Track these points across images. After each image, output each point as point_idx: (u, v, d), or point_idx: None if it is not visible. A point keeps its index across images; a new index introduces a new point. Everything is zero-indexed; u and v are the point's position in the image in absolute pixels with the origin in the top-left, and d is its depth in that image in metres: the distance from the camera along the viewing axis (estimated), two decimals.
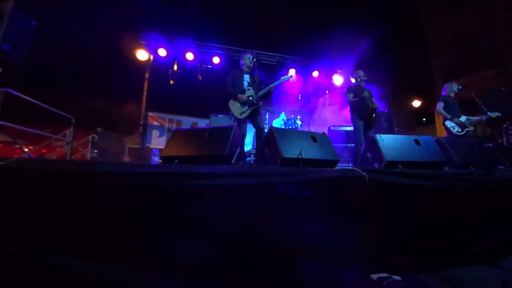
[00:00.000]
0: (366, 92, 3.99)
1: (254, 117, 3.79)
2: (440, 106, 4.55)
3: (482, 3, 10.76)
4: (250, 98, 3.76)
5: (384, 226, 1.63)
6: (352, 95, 4.17)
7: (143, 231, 1.28)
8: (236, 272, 1.36)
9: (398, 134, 6.02)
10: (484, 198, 2.18)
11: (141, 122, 7.92)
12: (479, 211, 2.14)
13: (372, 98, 4.23)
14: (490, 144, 3.51)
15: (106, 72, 7.71)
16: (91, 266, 1.19)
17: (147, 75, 8.33)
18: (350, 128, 5.70)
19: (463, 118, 4.46)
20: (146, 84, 8.28)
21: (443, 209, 1.96)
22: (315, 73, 9.10)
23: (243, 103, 3.72)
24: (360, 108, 4.08)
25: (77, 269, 1.17)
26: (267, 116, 6.83)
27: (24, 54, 2.89)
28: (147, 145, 7.57)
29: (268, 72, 8.47)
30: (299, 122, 6.69)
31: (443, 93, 4.83)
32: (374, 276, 1.19)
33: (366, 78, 4.26)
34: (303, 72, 9.09)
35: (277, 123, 6.71)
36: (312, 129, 6.95)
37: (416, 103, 12.45)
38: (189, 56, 8.04)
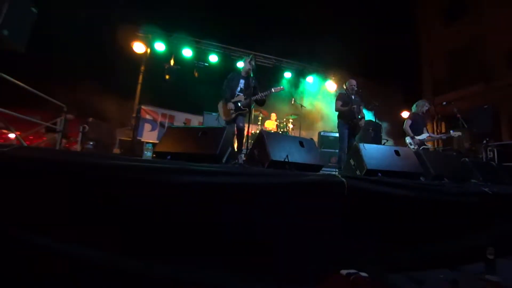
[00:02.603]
0: (355, 106, 4.17)
1: (238, 123, 3.90)
2: (407, 123, 4.83)
3: (474, 19, 11.18)
4: (239, 104, 3.87)
5: (358, 228, 1.78)
6: (341, 102, 4.34)
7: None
8: (219, 265, 1.47)
9: (385, 143, 6.27)
10: (453, 208, 2.37)
11: (134, 115, 7.89)
12: (447, 220, 2.33)
13: (360, 108, 4.43)
14: (466, 159, 3.75)
15: (101, 62, 7.65)
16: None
17: (142, 68, 8.29)
18: None
19: (424, 136, 4.75)
20: (141, 77, 8.24)
21: (415, 215, 2.14)
22: (310, 78, 9.30)
23: (230, 107, 3.84)
24: (346, 117, 4.26)
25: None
26: (260, 118, 6.95)
27: (23, 40, 2.90)
28: (138, 138, 7.57)
29: (264, 75, 8.62)
30: (290, 126, 6.85)
31: (414, 110, 5.09)
32: (343, 272, 1.32)
33: (356, 88, 4.43)
34: (298, 76, 9.27)
35: (270, 124, 6.85)
36: (304, 133, 7.13)
37: (405, 114, 12.85)
38: (187, 52, 8.07)
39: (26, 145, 4.14)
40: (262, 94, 3.96)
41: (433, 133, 12.28)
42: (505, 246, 2.48)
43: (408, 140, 4.83)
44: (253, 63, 4.07)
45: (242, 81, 4.04)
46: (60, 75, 7.42)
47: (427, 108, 5.02)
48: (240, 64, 8.46)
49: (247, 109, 3.89)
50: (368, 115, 5.00)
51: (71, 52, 7.52)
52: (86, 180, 1.31)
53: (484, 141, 7.01)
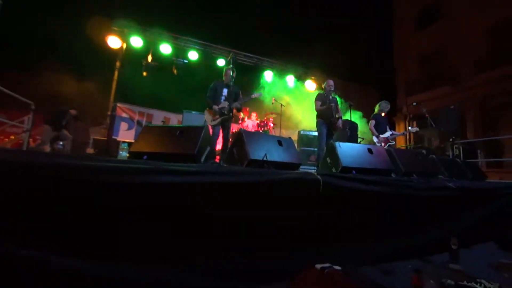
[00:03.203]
0: (333, 105, 4.31)
1: (224, 126, 4.25)
2: (371, 124, 5.22)
3: (444, 26, 11.94)
4: (223, 110, 4.15)
5: (333, 222, 1.85)
6: (320, 103, 4.46)
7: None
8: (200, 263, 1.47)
9: (361, 142, 6.51)
10: (421, 202, 2.53)
11: (109, 113, 7.57)
12: (415, 213, 2.49)
13: (338, 107, 4.58)
14: (434, 156, 4.01)
15: (73, 56, 7.25)
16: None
17: (118, 63, 7.93)
18: None
19: (387, 134, 5.15)
20: (116, 73, 7.89)
21: (385, 210, 2.26)
22: (290, 78, 9.43)
23: (215, 113, 4.14)
24: (325, 116, 4.39)
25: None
26: (241, 117, 6.94)
27: None
28: (114, 137, 7.27)
29: (245, 73, 8.60)
30: (271, 125, 6.91)
31: (376, 111, 5.45)
32: (318, 266, 1.37)
33: (333, 89, 4.57)
34: (279, 75, 9.37)
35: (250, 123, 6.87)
36: (284, 132, 7.22)
37: (376, 109, 13.42)
38: (165, 48, 7.83)
39: None
40: (241, 101, 4.30)
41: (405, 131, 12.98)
42: (467, 236, 2.69)
43: (374, 139, 5.17)
44: (231, 73, 4.38)
45: (225, 90, 4.32)
46: (26, 70, 6.94)
47: (387, 109, 5.41)
48: (221, 62, 8.41)
49: (231, 115, 4.24)
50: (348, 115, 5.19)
51: (39, 45, 7.06)
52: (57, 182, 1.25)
53: (451, 139, 7.51)
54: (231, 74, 4.37)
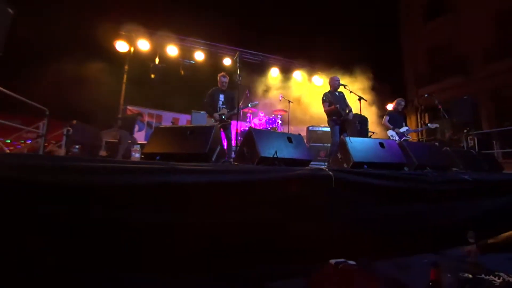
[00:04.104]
0: (338, 105, 4.30)
1: (224, 129, 4.47)
2: (386, 119, 5.31)
3: (452, 18, 11.65)
4: (223, 116, 4.43)
5: (346, 217, 1.85)
6: (327, 103, 4.45)
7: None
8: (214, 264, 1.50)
9: (371, 135, 6.42)
10: (436, 195, 2.48)
11: (119, 116, 7.72)
12: (430, 206, 2.44)
13: (346, 102, 4.54)
14: (448, 148, 3.91)
15: (83, 62, 7.42)
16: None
17: (126, 67, 8.08)
18: (328, 129, 6.02)
19: (403, 129, 5.19)
20: (125, 76, 8.05)
21: (399, 203, 2.23)
22: (296, 74, 9.36)
23: (215, 120, 4.39)
24: (334, 115, 4.38)
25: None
26: (249, 115, 6.96)
27: (0, 42, 2.79)
28: None
29: (252, 71, 8.61)
30: (279, 122, 6.90)
31: (391, 107, 5.56)
32: (332, 261, 1.38)
33: (339, 84, 4.55)
34: (285, 72, 9.31)
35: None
36: (292, 129, 7.20)
37: (390, 107, 13.18)
38: (172, 50, 7.92)
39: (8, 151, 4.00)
40: (239, 108, 4.53)
41: (417, 124, 12.69)
42: (484, 229, 2.62)
43: (389, 132, 5.20)
44: (224, 79, 4.63)
45: (221, 96, 4.57)
46: (40, 77, 7.16)
47: (402, 106, 5.51)
48: (227, 61, 8.44)
49: (230, 121, 4.52)
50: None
51: (51, 53, 7.26)
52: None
53: (465, 131, 7.29)
54: (225, 80, 4.62)
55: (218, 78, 4.69)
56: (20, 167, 1.17)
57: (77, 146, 4.62)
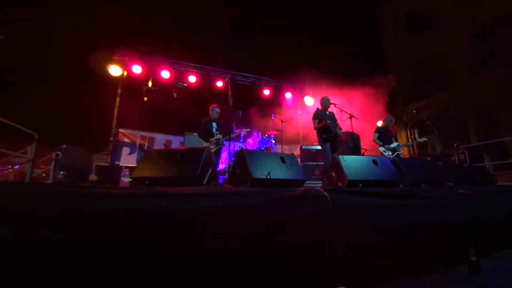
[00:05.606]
0: (329, 121, 4.39)
1: (216, 153, 4.97)
2: (375, 136, 5.48)
3: (430, 34, 12.26)
4: (219, 142, 4.95)
5: (344, 238, 1.77)
6: (317, 121, 4.54)
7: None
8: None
9: (364, 153, 6.45)
10: (433, 211, 2.44)
11: (111, 139, 7.62)
12: (428, 224, 2.39)
13: (336, 122, 4.63)
14: (440, 163, 3.95)
15: (76, 86, 7.44)
16: None
17: (119, 90, 8.11)
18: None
19: (394, 144, 5.34)
20: (118, 100, 8.05)
21: (398, 222, 2.17)
22: (288, 94, 9.56)
23: (212, 144, 4.88)
24: (324, 133, 4.43)
25: None
26: (242, 135, 6.96)
27: None
28: (116, 163, 7.27)
29: (244, 92, 8.76)
30: (273, 141, 6.90)
31: (380, 124, 5.75)
32: None
33: (330, 103, 4.65)
34: (277, 93, 9.50)
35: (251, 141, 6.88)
36: (286, 148, 7.21)
37: (380, 123, 13.42)
38: (165, 74, 8.04)
39: None
40: (233, 134, 5.23)
41: (408, 140, 12.91)
42: (485, 245, 2.56)
43: (381, 149, 5.34)
44: (216, 109, 5.20)
45: (214, 124, 5.12)
46: (32, 102, 7.12)
47: (393, 123, 5.73)
48: (219, 84, 8.59)
49: (224, 144, 5.07)
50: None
51: (43, 77, 7.27)
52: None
53: (455, 144, 7.44)
54: (217, 110, 5.19)
55: (210, 109, 5.18)
56: None
57: (61, 172, 4.45)
